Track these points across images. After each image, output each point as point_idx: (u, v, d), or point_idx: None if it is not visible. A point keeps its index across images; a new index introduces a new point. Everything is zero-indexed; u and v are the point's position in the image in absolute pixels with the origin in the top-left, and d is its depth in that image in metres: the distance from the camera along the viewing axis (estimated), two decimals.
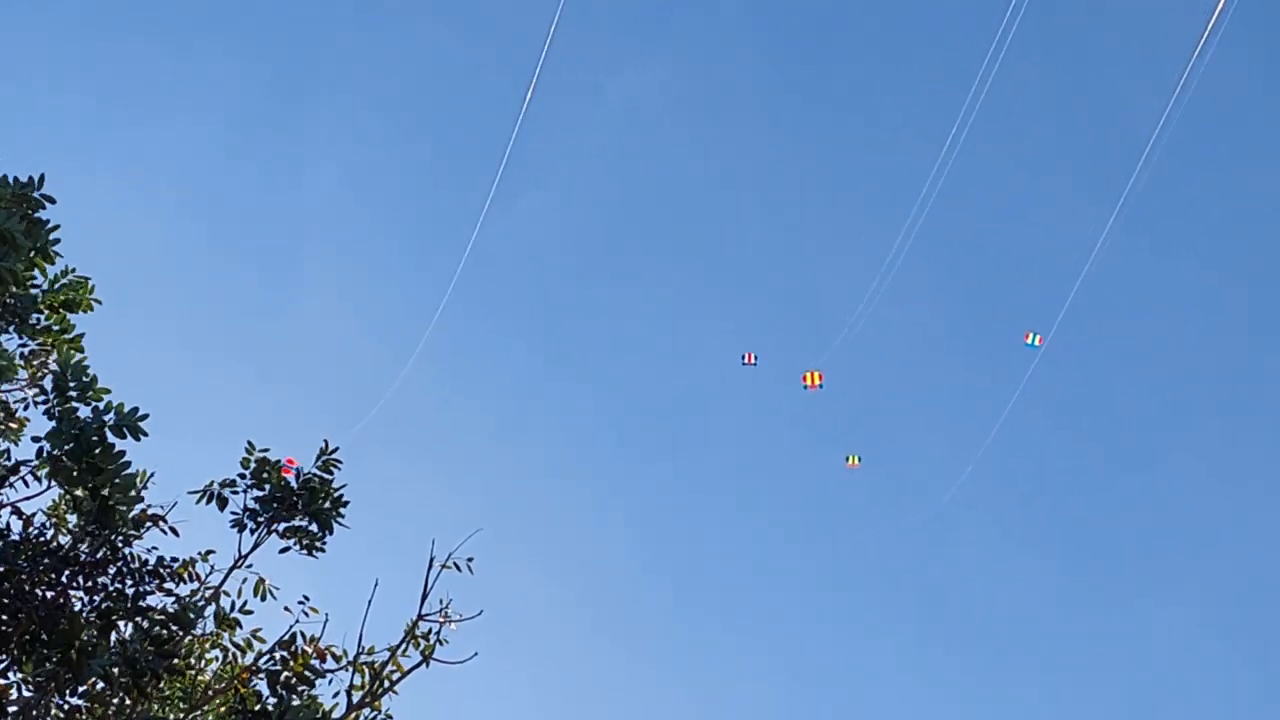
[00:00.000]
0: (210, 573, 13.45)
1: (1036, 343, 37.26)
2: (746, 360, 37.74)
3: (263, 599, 13.74)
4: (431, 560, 14.40)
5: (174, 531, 12.93)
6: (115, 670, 11.95)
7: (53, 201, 12.07)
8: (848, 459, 40.55)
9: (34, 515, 12.28)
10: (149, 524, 12.62)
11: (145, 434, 11.85)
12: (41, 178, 12.22)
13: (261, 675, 13.24)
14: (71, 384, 11.64)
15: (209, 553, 13.47)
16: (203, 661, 13.68)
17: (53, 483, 11.94)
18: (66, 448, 11.42)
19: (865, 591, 54.79)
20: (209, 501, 13.84)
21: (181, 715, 13.46)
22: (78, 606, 11.93)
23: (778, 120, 52.84)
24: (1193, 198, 51.26)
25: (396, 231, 52.80)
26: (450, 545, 14.47)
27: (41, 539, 12.19)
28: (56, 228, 12.24)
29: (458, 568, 14.40)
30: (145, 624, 12.34)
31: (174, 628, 12.50)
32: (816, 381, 36.53)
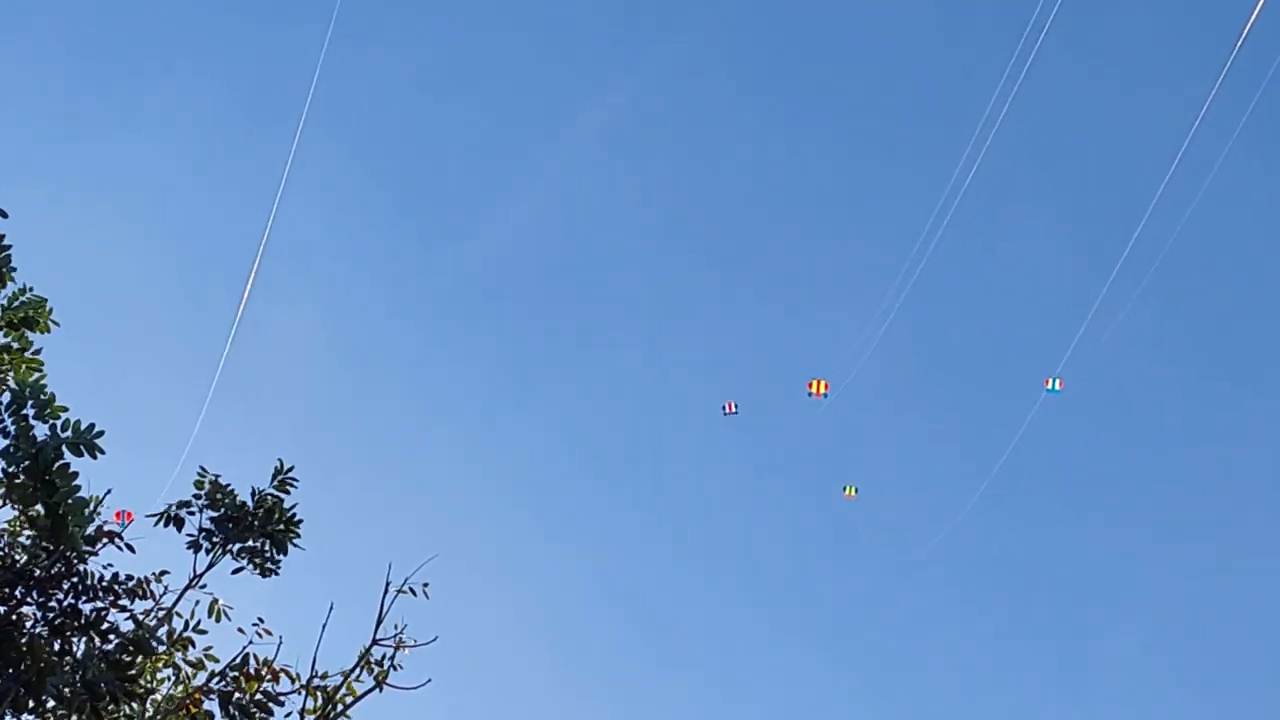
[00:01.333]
0: (164, 593, 13.45)
1: (1058, 386, 37.43)
2: (728, 409, 37.96)
3: (217, 620, 13.74)
4: (387, 585, 14.42)
5: (130, 548, 12.93)
6: (69, 691, 11.93)
7: (4, 215, 12.13)
8: (845, 489, 40.80)
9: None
10: (104, 540, 12.62)
11: (102, 451, 11.90)
12: None
13: (214, 696, 13.25)
14: (29, 401, 11.66)
15: (163, 573, 13.46)
16: (154, 682, 13.63)
17: (7, 501, 11.94)
18: (23, 465, 11.45)
19: (825, 640, 54.95)
20: (166, 524, 13.90)
21: None
22: (29, 623, 11.90)
23: (755, 161, 53.14)
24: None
25: (363, 254, 52.79)
26: (407, 570, 14.50)
27: None
28: (9, 247, 12.29)
29: (413, 592, 14.40)
30: (103, 646, 12.33)
31: (132, 650, 12.48)
32: (822, 390, 36.54)
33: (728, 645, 54.69)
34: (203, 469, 13.96)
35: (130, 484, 13.66)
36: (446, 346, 54.62)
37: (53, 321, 13.41)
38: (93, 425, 11.58)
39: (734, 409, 38.15)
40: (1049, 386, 37.42)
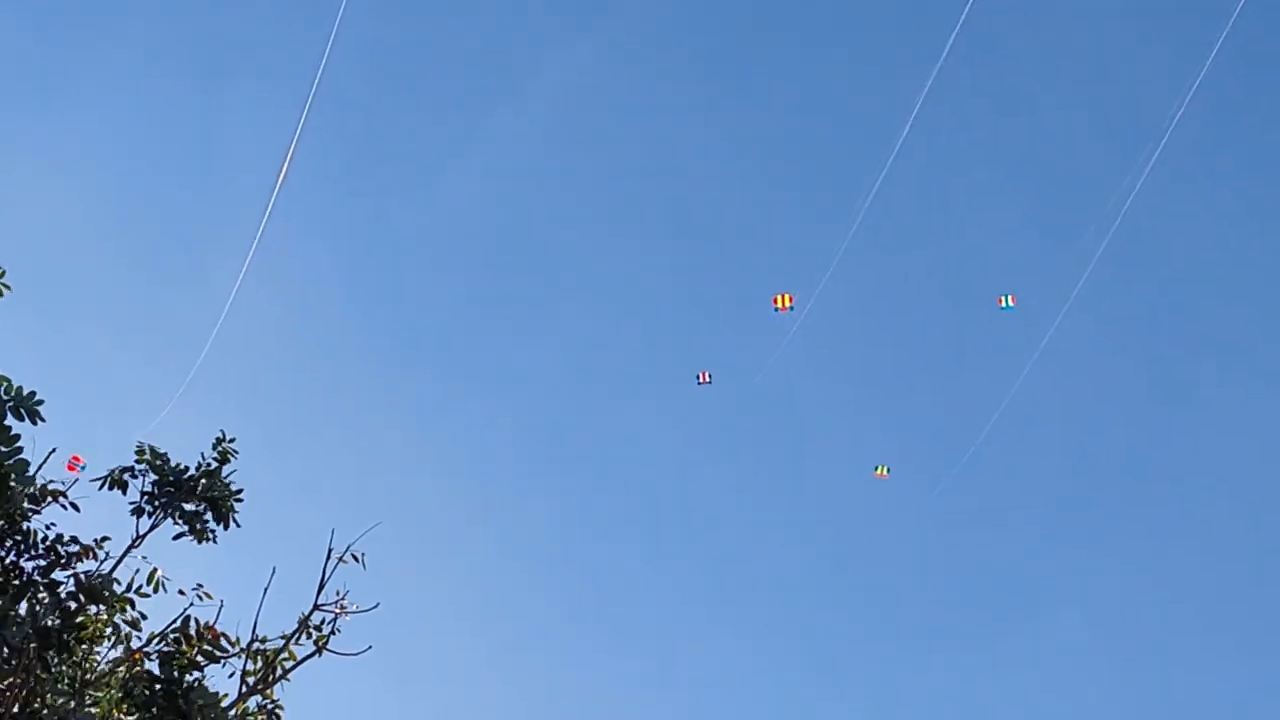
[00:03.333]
0: (105, 559, 13.64)
1: (1010, 303, 37.82)
2: (701, 379, 38.19)
3: (155, 589, 13.91)
4: (329, 551, 14.67)
5: (74, 507, 13.15)
6: (20, 641, 12.12)
7: None
8: (876, 469, 40.91)
9: None
10: (49, 500, 12.84)
11: (42, 419, 12.16)
12: None
13: (153, 657, 13.47)
14: None
15: (104, 539, 13.65)
16: (98, 638, 13.82)
17: None
18: None
19: (741, 616, 55.23)
20: (111, 487, 14.15)
21: (70, 696, 13.61)
22: None
23: (710, 123, 53.05)
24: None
25: (311, 218, 52.57)
26: (351, 538, 14.74)
27: None
28: None
29: (355, 558, 14.66)
30: (56, 596, 12.53)
31: (83, 600, 12.70)
32: (787, 304, 36.67)
33: (666, 619, 55.05)
34: (141, 445, 14.23)
35: (77, 446, 13.81)
36: (394, 313, 54.57)
37: (4, 285, 13.45)
38: (33, 393, 11.83)
39: (708, 379, 38.44)
40: (1002, 305, 37.90)
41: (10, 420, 12.02)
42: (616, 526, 55.18)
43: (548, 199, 53.54)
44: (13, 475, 11.64)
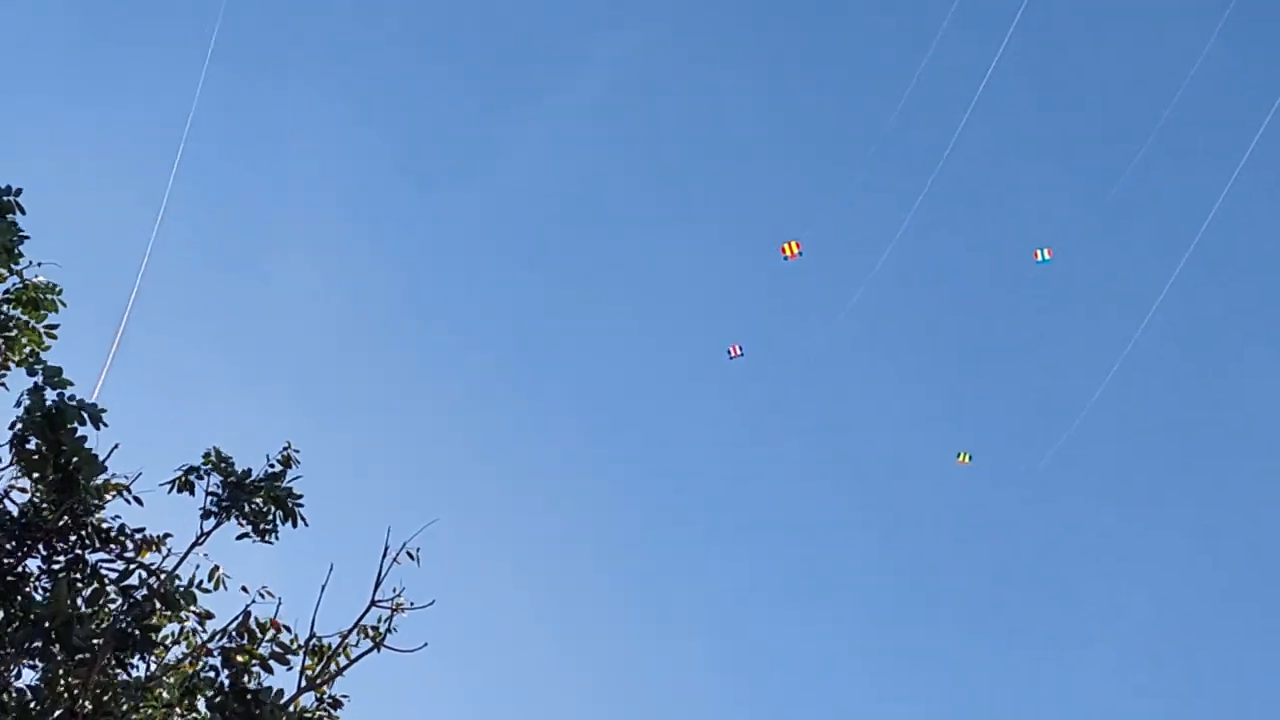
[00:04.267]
0: (168, 555, 14.17)
1: (1047, 256, 37.28)
2: (733, 353, 38.27)
3: (216, 587, 14.41)
4: (386, 548, 15.10)
5: (138, 501, 13.71)
6: (98, 643, 12.64)
7: (23, 212, 13.16)
8: (959, 455, 40.51)
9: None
10: (112, 494, 13.44)
11: (105, 425, 12.81)
12: (19, 190, 13.39)
13: (216, 653, 13.96)
14: (38, 369, 12.62)
15: (167, 535, 14.19)
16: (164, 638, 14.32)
17: (20, 468, 12.74)
18: (36, 427, 12.35)
19: (823, 606, 54.48)
20: (179, 490, 14.75)
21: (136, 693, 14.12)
22: (34, 571, 12.66)
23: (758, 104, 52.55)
24: None
25: (361, 204, 52.88)
26: (407, 533, 15.14)
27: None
28: (26, 237, 13.29)
29: (410, 556, 15.09)
30: (131, 598, 13.05)
31: (157, 603, 13.21)
32: (795, 251, 36.56)
33: (732, 609, 54.35)
34: (209, 451, 14.82)
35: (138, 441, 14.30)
36: (449, 304, 54.77)
37: (60, 302, 14.21)
38: (95, 404, 12.52)
39: (739, 352, 38.55)
40: (1039, 258, 37.49)
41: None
42: (683, 515, 54.55)
43: (601, 181, 53.59)
44: (82, 473, 12.23)
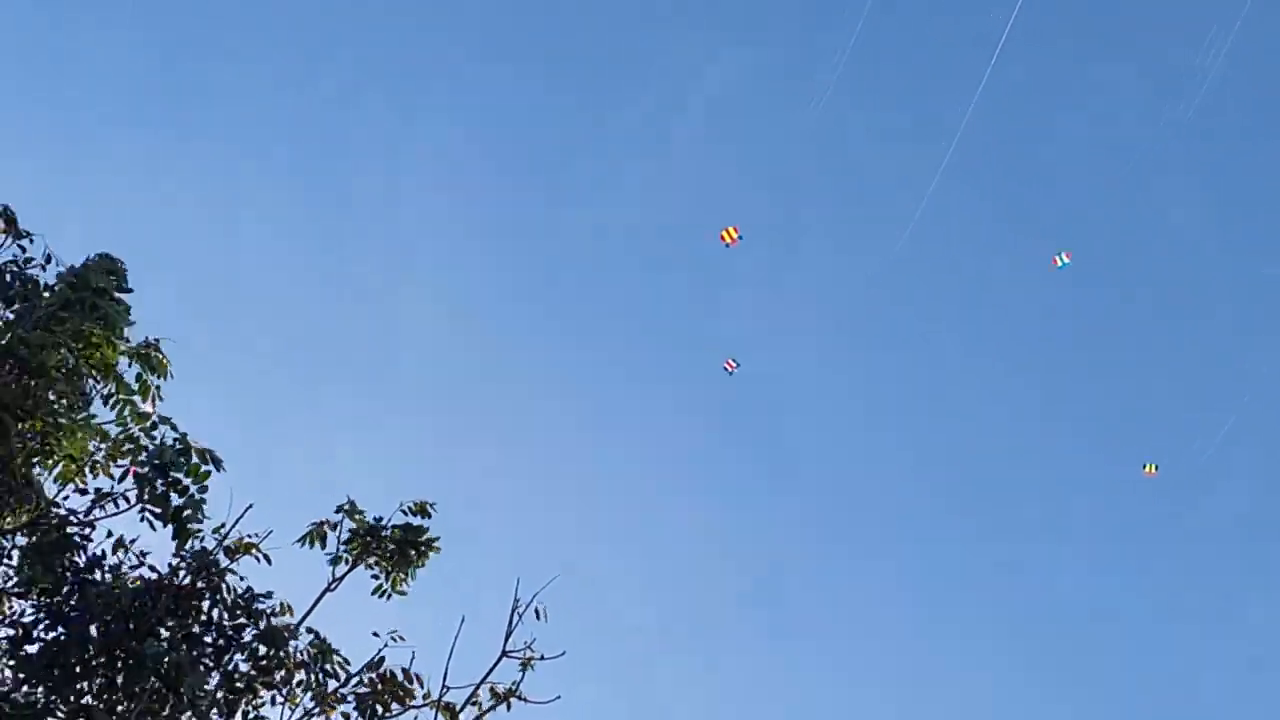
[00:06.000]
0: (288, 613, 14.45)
1: (1065, 259, 36.84)
2: (728, 368, 38.30)
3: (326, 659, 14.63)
4: (516, 601, 15.21)
5: (267, 559, 14.13)
6: (209, 689, 13.08)
7: (130, 291, 13.66)
8: (1144, 467, 40.26)
9: (131, 539, 13.52)
10: (242, 552, 13.87)
11: (224, 469, 13.30)
12: (124, 270, 13.86)
13: (349, 699, 14.27)
14: (158, 424, 13.19)
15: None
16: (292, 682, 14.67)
17: (141, 510, 13.25)
18: (153, 467, 12.90)
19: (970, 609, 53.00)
20: (311, 544, 15.14)
21: None
22: (164, 633, 13.07)
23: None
24: None
25: (487, 227, 53.40)
26: (537, 584, 15.21)
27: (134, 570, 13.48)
28: (129, 292, 13.78)
29: (537, 614, 15.17)
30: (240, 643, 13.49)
31: (268, 648, 13.60)
32: (734, 236, 36.37)
33: (900, 649, 53.31)
34: (344, 502, 15.18)
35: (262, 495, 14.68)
36: (587, 318, 55.12)
37: (170, 373, 14.57)
38: (211, 450, 12.96)
39: (735, 366, 38.63)
40: (1057, 264, 36.90)
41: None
42: (817, 547, 53.99)
43: (719, 195, 53.55)
44: (189, 515, 12.70)
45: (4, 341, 12.65)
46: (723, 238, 36.64)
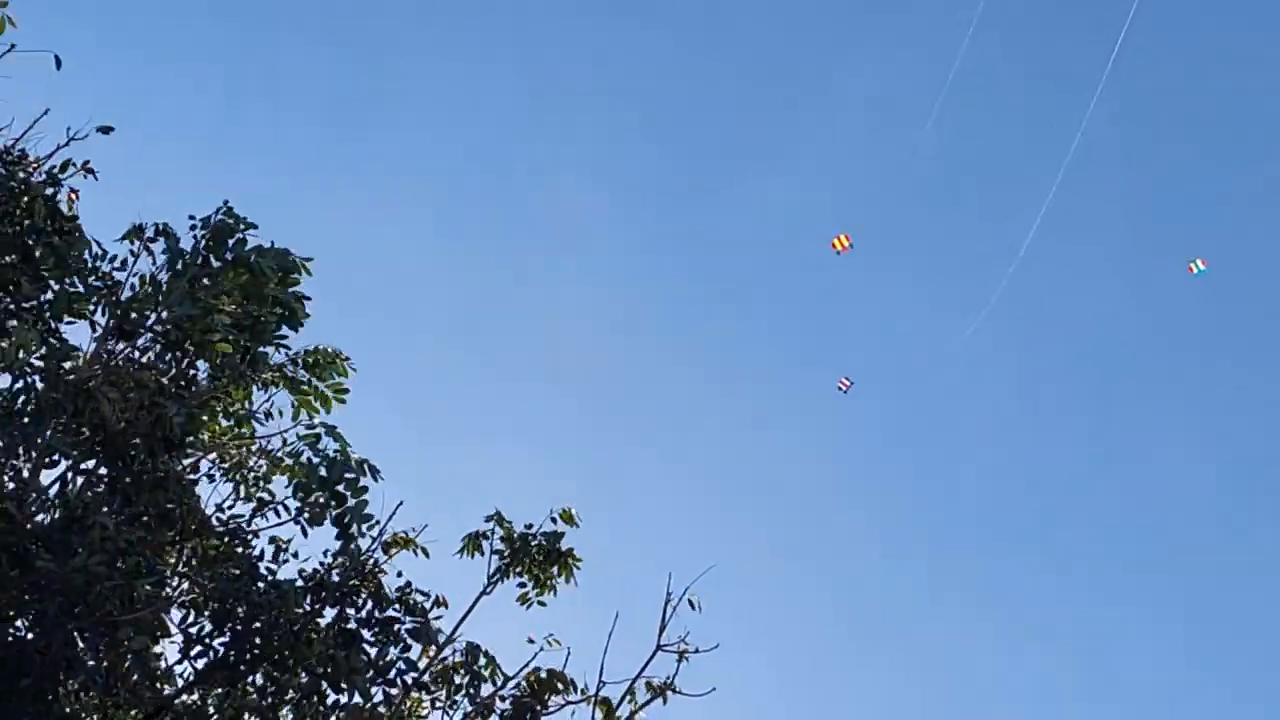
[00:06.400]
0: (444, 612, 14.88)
1: (1201, 266, 36.32)
2: (842, 386, 37.87)
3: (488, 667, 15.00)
4: (669, 595, 15.43)
5: (424, 553, 14.61)
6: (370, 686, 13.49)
7: (309, 274, 14.24)
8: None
9: (289, 541, 14.06)
10: (399, 548, 14.36)
11: (382, 478, 13.78)
12: (308, 263, 14.49)
13: (506, 699, 14.59)
14: (322, 431, 13.72)
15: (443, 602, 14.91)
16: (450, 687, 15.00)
17: (301, 515, 13.79)
18: (319, 476, 13.43)
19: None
20: (471, 554, 15.70)
21: None
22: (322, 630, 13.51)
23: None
24: None
25: (639, 224, 53.83)
26: (686, 577, 15.40)
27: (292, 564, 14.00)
28: (307, 297, 14.41)
29: (691, 604, 15.37)
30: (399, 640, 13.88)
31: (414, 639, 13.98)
32: (846, 244, 35.82)
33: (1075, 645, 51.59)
34: (495, 514, 15.70)
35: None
36: (732, 311, 55.02)
37: (351, 367, 15.30)
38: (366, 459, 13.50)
39: (849, 384, 38.21)
40: (1194, 270, 36.14)
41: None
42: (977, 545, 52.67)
43: (859, 199, 53.37)
44: (352, 519, 13.17)
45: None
46: (834, 245, 36.89)
